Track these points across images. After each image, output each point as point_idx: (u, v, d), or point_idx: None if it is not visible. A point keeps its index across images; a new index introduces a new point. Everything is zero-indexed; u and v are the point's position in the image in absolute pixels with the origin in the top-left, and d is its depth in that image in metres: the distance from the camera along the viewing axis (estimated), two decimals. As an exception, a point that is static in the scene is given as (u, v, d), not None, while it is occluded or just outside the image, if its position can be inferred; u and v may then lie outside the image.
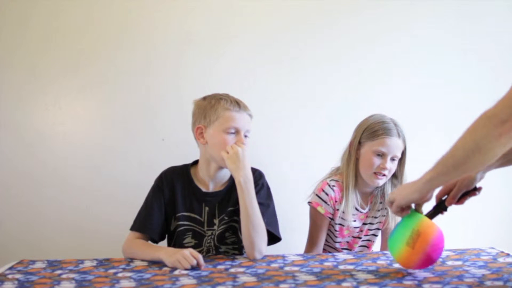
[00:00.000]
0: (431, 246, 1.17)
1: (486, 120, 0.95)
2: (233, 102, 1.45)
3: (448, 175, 1.05)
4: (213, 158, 1.47)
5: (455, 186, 1.22)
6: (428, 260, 1.19)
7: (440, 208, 1.24)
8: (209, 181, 1.52)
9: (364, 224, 1.67)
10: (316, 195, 1.63)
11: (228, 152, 1.41)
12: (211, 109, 1.45)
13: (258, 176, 1.52)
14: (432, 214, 1.24)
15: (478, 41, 2.18)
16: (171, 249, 1.40)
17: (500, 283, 1.13)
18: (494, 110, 0.94)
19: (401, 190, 1.21)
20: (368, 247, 1.72)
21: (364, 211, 1.66)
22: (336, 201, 1.61)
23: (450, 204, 1.23)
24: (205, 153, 1.50)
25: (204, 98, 1.50)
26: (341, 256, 1.44)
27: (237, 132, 1.45)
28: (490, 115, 0.95)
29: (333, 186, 1.62)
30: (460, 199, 1.24)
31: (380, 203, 1.66)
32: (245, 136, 1.47)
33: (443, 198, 1.25)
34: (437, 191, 1.23)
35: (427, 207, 1.24)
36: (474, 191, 1.24)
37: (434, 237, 1.18)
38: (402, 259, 1.20)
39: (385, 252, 1.50)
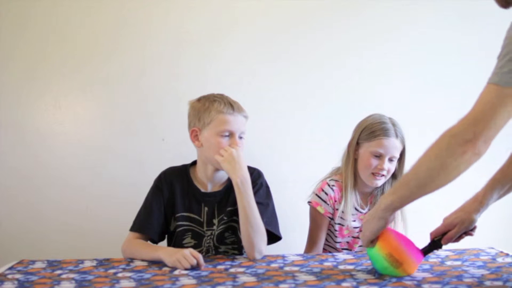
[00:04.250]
0: (406, 247, 1.18)
1: (450, 139, 0.97)
2: (227, 105, 1.44)
3: (412, 197, 1.07)
4: (209, 160, 1.47)
5: (455, 227, 1.23)
6: (419, 254, 1.20)
7: (435, 246, 1.25)
8: (207, 182, 1.52)
9: (364, 224, 1.66)
10: (316, 194, 1.64)
11: (222, 155, 1.41)
12: (205, 111, 1.44)
13: (256, 175, 1.53)
14: (427, 251, 1.24)
15: (478, 41, 2.18)
16: (171, 248, 1.41)
17: (499, 283, 1.13)
18: (457, 129, 0.97)
19: (366, 224, 1.20)
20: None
21: (364, 211, 1.66)
22: (335, 201, 1.62)
23: (447, 243, 1.24)
24: (201, 155, 1.51)
25: (199, 100, 1.49)
26: (341, 256, 1.44)
27: (231, 135, 1.44)
28: (453, 134, 0.97)
29: (333, 186, 1.62)
30: (457, 238, 1.25)
31: (380, 203, 1.66)
32: (240, 137, 1.47)
33: (439, 236, 1.25)
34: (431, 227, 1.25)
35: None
36: (471, 231, 1.25)
37: (400, 243, 1.18)
38: (407, 274, 1.20)
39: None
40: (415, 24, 2.16)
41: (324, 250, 1.69)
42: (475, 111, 0.96)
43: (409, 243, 1.20)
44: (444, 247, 1.26)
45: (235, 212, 1.46)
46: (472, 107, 0.97)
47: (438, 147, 0.99)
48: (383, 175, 1.57)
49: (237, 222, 1.45)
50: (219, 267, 1.31)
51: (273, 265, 1.33)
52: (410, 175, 1.05)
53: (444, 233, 1.24)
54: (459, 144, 0.95)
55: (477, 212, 1.22)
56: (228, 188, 1.50)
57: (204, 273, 1.24)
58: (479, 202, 1.22)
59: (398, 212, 1.63)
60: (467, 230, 1.24)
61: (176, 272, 1.24)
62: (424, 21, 2.17)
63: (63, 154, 2.03)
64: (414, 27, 2.16)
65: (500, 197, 1.22)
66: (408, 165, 1.63)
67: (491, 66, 2.30)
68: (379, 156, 1.56)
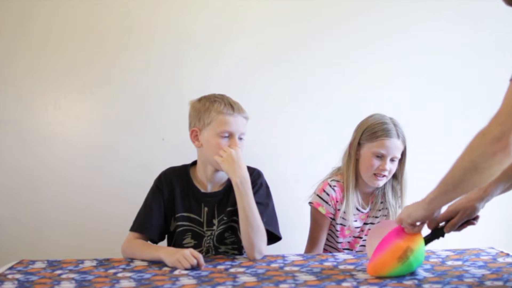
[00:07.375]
0: (396, 237, 1.18)
1: (481, 139, 0.96)
2: (227, 105, 1.43)
3: (449, 194, 1.07)
4: (209, 161, 1.47)
5: (457, 214, 1.22)
6: (401, 230, 1.21)
7: (438, 234, 1.25)
8: (207, 182, 1.52)
9: (365, 224, 1.66)
10: (317, 195, 1.63)
11: (222, 156, 1.41)
12: (205, 112, 1.44)
13: (256, 175, 1.52)
14: (429, 239, 1.24)
15: (478, 41, 2.18)
16: (171, 248, 1.41)
17: (500, 283, 1.13)
18: (488, 128, 0.95)
19: (407, 209, 1.20)
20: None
21: (365, 211, 1.66)
22: (337, 201, 1.61)
23: (449, 231, 1.24)
24: (201, 155, 1.51)
25: (199, 100, 1.49)
26: (341, 256, 1.44)
27: (230, 135, 1.44)
28: (484, 133, 0.96)
29: (334, 186, 1.62)
30: (459, 227, 1.24)
31: (381, 203, 1.66)
32: (240, 138, 1.46)
33: (442, 224, 1.25)
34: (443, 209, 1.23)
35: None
36: (473, 220, 1.25)
37: (390, 242, 1.19)
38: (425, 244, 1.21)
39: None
40: (415, 24, 2.16)
41: (325, 250, 1.69)
42: (502, 110, 0.95)
43: (388, 237, 1.20)
44: (443, 247, 1.26)
45: (235, 212, 1.46)
46: (500, 106, 0.95)
47: (470, 147, 0.98)
48: (384, 176, 1.57)
49: (237, 222, 1.44)
50: (219, 267, 1.31)
51: (273, 265, 1.33)
52: (448, 173, 1.04)
53: (447, 221, 1.24)
54: (489, 143, 0.93)
55: (481, 200, 1.21)
56: (228, 188, 1.50)
57: (204, 273, 1.23)
58: (484, 190, 1.21)
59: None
60: (470, 218, 1.23)
61: (176, 272, 1.24)
62: (424, 22, 2.16)
63: (63, 154, 2.02)
64: (414, 28, 2.16)
65: (505, 190, 1.21)
66: (409, 165, 1.63)
67: (491, 66, 2.31)
68: (381, 157, 1.56)
